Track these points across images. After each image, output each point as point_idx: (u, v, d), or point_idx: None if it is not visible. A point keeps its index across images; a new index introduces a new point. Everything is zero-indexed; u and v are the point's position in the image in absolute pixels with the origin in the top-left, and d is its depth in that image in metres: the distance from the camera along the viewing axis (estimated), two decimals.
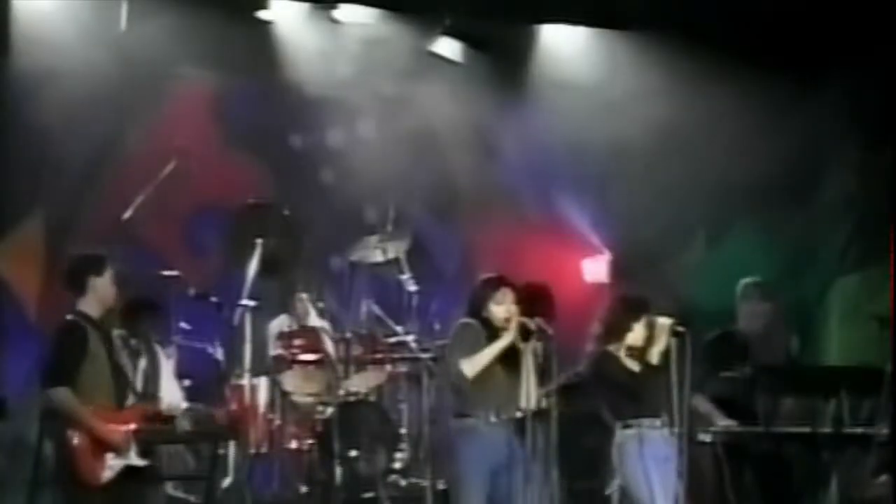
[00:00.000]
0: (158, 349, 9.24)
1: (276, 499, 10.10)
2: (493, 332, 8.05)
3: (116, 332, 8.92)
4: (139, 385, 8.83)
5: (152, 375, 9.05)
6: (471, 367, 7.93)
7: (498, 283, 8.09)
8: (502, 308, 8.00)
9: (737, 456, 9.05)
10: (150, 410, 8.29)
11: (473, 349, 7.97)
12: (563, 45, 11.85)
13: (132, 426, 7.99)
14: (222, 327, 9.98)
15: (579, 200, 11.85)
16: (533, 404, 7.99)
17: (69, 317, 8.03)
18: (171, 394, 9.13)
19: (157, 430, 8.22)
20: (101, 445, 7.86)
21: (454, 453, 8.09)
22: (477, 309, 8.07)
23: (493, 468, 7.96)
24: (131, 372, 8.47)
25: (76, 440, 7.82)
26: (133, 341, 8.93)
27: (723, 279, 10.01)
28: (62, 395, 7.87)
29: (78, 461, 7.82)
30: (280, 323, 10.55)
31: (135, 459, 7.98)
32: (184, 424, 9.09)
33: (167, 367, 9.27)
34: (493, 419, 7.96)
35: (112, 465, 7.88)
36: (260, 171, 11.43)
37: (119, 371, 8.13)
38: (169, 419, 8.76)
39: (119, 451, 7.90)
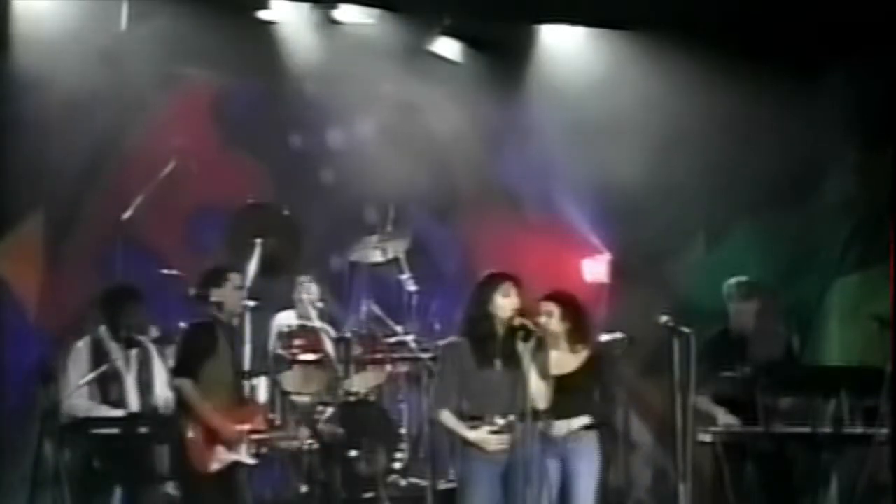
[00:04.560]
0: (151, 347, 9.26)
1: (276, 499, 10.09)
2: (493, 331, 8.02)
3: (101, 329, 9.07)
4: (133, 382, 8.96)
5: (144, 372, 9.11)
6: (444, 419, 8.00)
7: (502, 277, 8.09)
8: (508, 301, 7.99)
9: (737, 456, 9.05)
10: (259, 414, 8.93)
11: (463, 377, 7.96)
12: (563, 45, 11.85)
13: (247, 426, 8.62)
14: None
15: (579, 200, 11.84)
16: (541, 405, 7.98)
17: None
18: (165, 392, 9.14)
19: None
20: (215, 438, 8.46)
21: (459, 456, 8.09)
22: (482, 304, 8.04)
23: (499, 471, 7.95)
24: (124, 369, 8.72)
25: (191, 431, 8.44)
26: (124, 340, 9.04)
27: (722, 279, 10.00)
28: (185, 385, 8.52)
29: (190, 450, 8.43)
30: (286, 317, 10.54)
31: (244, 457, 8.59)
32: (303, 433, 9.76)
33: (160, 364, 9.28)
34: (497, 421, 7.95)
35: (223, 458, 8.49)
36: (260, 171, 11.43)
37: (240, 373, 8.81)
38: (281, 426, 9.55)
39: (231, 445, 8.48)
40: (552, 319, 8.29)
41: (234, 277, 8.88)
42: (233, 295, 8.84)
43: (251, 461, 8.63)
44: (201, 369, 8.54)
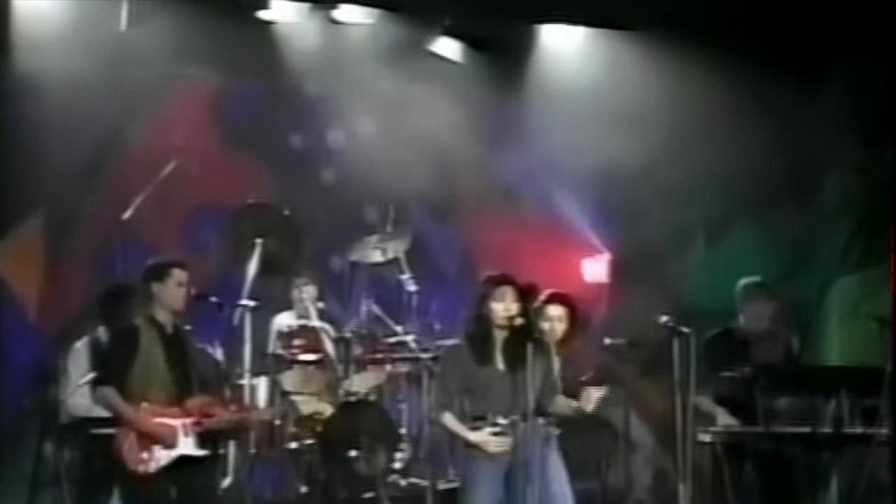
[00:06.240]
0: None
1: (276, 499, 10.10)
2: (488, 333, 8.02)
3: (100, 329, 9.06)
4: None
5: None
6: (447, 422, 7.99)
7: (498, 281, 8.09)
8: (501, 306, 8.01)
9: (737, 456, 9.05)
10: (215, 403, 8.62)
11: (464, 379, 7.98)
12: (563, 45, 11.87)
13: (189, 419, 8.32)
14: (222, 327, 9.97)
15: (579, 200, 11.85)
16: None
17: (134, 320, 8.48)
18: None
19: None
20: (148, 438, 8.20)
21: (461, 457, 8.10)
22: (477, 306, 8.06)
23: (501, 471, 7.96)
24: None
25: (121, 435, 8.21)
26: None
27: (722, 279, 9.99)
28: (105, 394, 8.28)
29: (123, 454, 8.19)
30: (284, 318, 10.54)
31: (190, 450, 8.29)
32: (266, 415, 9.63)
33: None
34: (499, 421, 7.95)
35: (159, 456, 8.21)
36: (260, 171, 11.43)
37: (179, 367, 8.41)
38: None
39: (166, 442, 8.21)
40: (562, 324, 8.37)
41: (176, 273, 8.44)
42: (174, 291, 8.44)
43: (198, 453, 8.38)
44: (128, 373, 8.25)
